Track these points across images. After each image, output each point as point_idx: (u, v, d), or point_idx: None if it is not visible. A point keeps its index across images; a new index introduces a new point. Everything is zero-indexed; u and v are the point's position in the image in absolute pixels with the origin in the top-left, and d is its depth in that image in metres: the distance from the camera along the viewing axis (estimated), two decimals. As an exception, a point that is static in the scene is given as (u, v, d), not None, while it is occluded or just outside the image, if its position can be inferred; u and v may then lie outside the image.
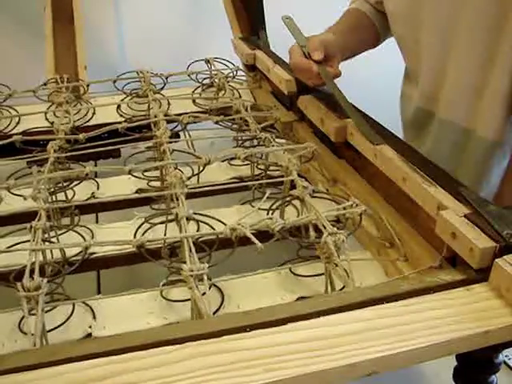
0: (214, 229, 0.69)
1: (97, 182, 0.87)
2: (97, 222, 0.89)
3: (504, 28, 0.86)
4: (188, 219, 0.66)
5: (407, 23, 1.00)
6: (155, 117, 0.92)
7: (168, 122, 0.92)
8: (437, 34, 0.94)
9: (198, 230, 0.70)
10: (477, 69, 0.92)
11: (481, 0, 0.87)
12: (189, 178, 0.80)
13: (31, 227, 0.63)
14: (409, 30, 1.00)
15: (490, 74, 0.91)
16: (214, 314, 0.60)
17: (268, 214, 0.74)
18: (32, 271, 0.56)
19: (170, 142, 0.84)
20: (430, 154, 0.96)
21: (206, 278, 0.56)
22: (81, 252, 0.68)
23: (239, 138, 0.92)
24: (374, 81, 1.68)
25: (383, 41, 1.12)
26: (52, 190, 0.78)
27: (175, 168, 0.78)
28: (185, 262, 0.58)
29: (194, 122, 0.96)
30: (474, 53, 0.91)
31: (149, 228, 0.72)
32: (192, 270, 0.56)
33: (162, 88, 1.11)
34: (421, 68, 1.00)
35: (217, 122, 0.96)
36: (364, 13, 1.08)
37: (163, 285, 0.64)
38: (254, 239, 0.59)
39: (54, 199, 0.78)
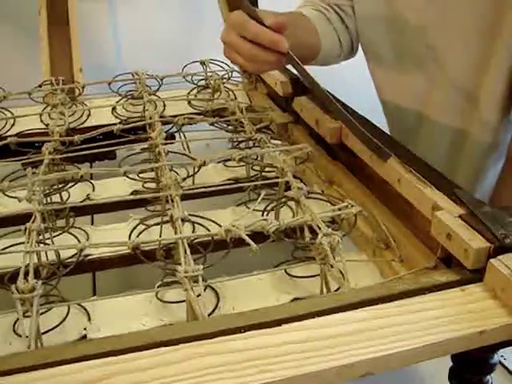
0: (209, 230, 0.69)
1: (92, 184, 0.87)
2: (92, 223, 0.88)
3: (499, 30, 0.86)
4: (183, 221, 0.65)
5: (385, 26, 0.98)
6: (150, 118, 0.92)
7: (163, 123, 0.92)
8: (429, 35, 0.94)
9: (193, 232, 0.70)
10: (471, 71, 0.92)
11: (474, 3, 0.87)
12: (184, 180, 0.80)
13: (26, 229, 0.63)
14: (386, 33, 0.99)
15: (484, 76, 0.91)
16: (210, 315, 0.60)
17: (263, 215, 0.74)
18: (26, 273, 0.56)
19: (166, 144, 0.84)
20: (425, 156, 0.96)
21: (201, 279, 0.56)
22: (76, 254, 0.68)
23: (234, 140, 0.92)
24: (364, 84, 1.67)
25: (325, 58, 1.03)
26: (47, 191, 0.77)
27: (170, 169, 0.77)
28: (180, 264, 0.57)
29: (190, 124, 0.96)
30: (468, 55, 0.91)
31: (144, 229, 0.72)
32: (187, 272, 0.56)
33: (157, 90, 1.10)
34: (409, 71, 1.00)
35: (212, 124, 0.96)
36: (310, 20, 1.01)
37: (158, 286, 0.64)
38: (248, 240, 0.59)
39: (49, 201, 0.78)
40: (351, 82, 1.54)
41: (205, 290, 0.59)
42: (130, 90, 1.10)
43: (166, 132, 0.89)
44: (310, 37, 0.99)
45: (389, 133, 1.09)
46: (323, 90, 0.78)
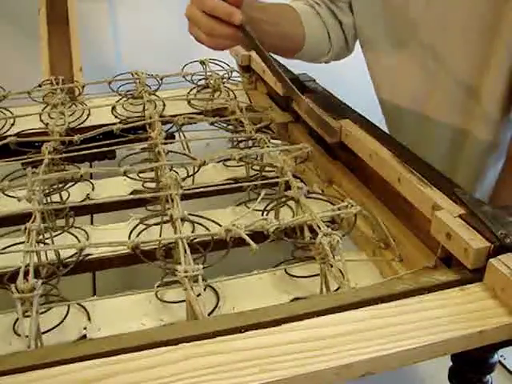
0: (208, 230, 0.69)
1: (92, 184, 0.87)
2: (92, 223, 0.88)
3: (498, 29, 0.86)
4: (183, 220, 0.65)
5: (384, 25, 0.98)
6: (150, 118, 0.92)
7: (163, 123, 0.92)
8: (428, 35, 0.94)
9: (193, 231, 0.70)
10: (472, 70, 0.92)
11: (474, 2, 0.87)
12: (184, 179, 0.80)
13: (26, 229, 0.63)
14: (385, 32, 0.99)
15: (485, 76, 0.91)
16: (209, 315, 0.60)
17: (263, 214, 0.74)
18: (26, 273, 0.56)
19: (165, 143, 0.84)
20: (424, 155, 0.96)
21: (200, 278, 0.56)
22: (76, 253, 0.68)
23: (234, 139, 0.92)
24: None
25: (312, 52, 1.02)
26: (47, 191, 0.77)
27: (170, 169, 0.77)
28: (180, 263, 0.57)
29: (189, 123, 0.96)
30: (468, 55, 0.91)
31: (144, 229, 0.71)
32: (187, 271, 0.56)
33: (157, 89, 1.10)
34: (409, 71, 0.99)
35: (212, 123, 0.96)
36: (298, 14, 0.99)
37: (158, 286, 0.64)
38: (248, 240, 0.59)
39: (49, 201, 0.78)
40: (350, 81, 1.54)
41: (205, 289, 0.59)
42: (130, 90, 1.10)
43: (165, 132, 0.89)
44: (294, 28, 0.97)
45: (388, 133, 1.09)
46: (280, 72, 0.79)
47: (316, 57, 1.05)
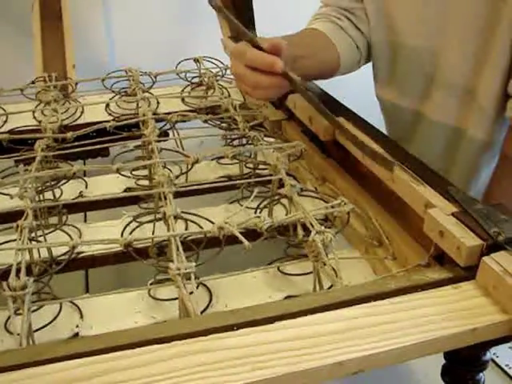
0: (201, 228, 0.69)
1: (85, 181, 0.87)
2: (85, 221, 0.88)
3: (496, 29, 0.87)
4: (176, 218, 0.65)
5: (384, 24, 0.99)
6: (144, 115, 0.92)
7: (157, 120, 0.92)
8: (426, 34, 0.94)
9: (186, 229, 0.70)
10: (469, 70, 0.92)
11: (473, 2, 0.87)
12: (177, 177, 0.80)
13: (18, 226, 0.63)
14: (385, 32, 0.99)
15: (482, 75, 0.91)
16: (202, 312, 0.59)
17: (256, 212, 0.74)
18: (18, 270, 0.55)
19: (159, 141, 0.83)
20: (420, 153, 0.96)
21: (193, 276, 0.56)
22: (68, 251, 0.68)
23: (228, 137, 0.92)
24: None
25: (347, 67, 1.03)
26: (39, 188, 0.77)
27: (163, 167, 0.77)
28: (172, 261, 0.57)
29: (183, 121, 0.96)
30: (465, 54, 0.91)
31: (137, 227, 0.71)
32: (179, 269, 0.55)
33: (150, 87, 1.10)
34: (407, 70, 1.00)
35: (206, 121, 0.96)
36: (325, 35, 1.00)
37: (151, 284, 0.64)
38: (241, 238, 0.59)
39: (42, 198, 0.78)
40: (348, 80, 1.54)
41: (197, 287, 0.59)
42: (124, 87, 1.09)
43: (159, 129, 0.89)
44: (329, 51, 0.99)
45: (385, 131, 1.09)
46: (331, 115, 0.78)
47: (351, 69, 1.06)
